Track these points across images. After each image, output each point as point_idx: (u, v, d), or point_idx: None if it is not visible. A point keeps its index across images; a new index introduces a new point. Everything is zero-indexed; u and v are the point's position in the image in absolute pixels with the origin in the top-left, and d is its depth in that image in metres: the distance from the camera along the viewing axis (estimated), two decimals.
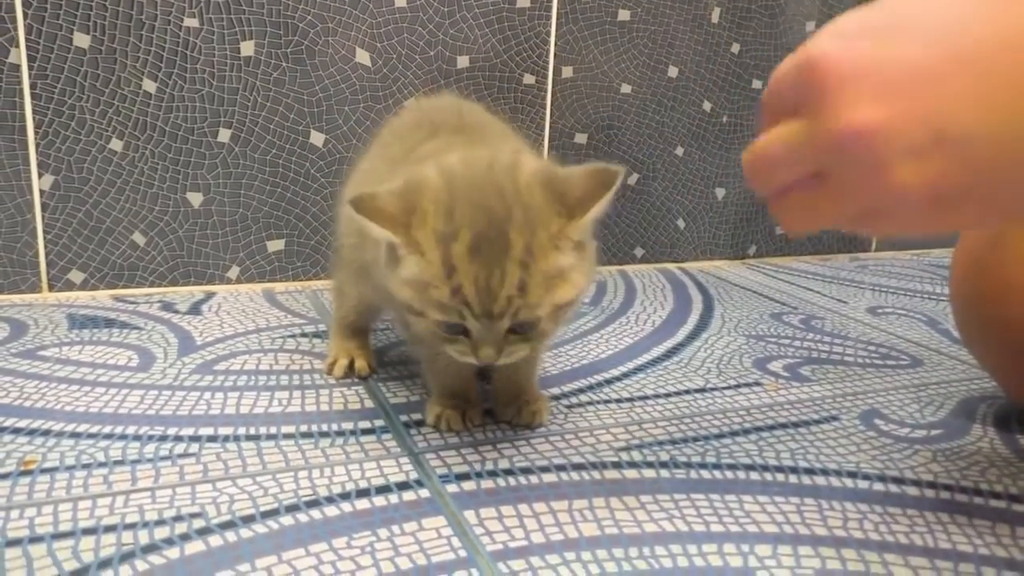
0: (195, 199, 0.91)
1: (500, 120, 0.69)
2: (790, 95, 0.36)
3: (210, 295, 0.91)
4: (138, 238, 0.89)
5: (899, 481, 0.54)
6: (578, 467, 0.55)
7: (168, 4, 0.84)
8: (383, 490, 0.51)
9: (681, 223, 1.14)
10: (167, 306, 0.87)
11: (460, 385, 0.60)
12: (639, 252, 1.13)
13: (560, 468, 0.55)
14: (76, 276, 0.88)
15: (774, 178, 0.38)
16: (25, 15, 0.80)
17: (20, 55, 0.81)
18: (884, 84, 0.32)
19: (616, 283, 1.04)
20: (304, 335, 0.79)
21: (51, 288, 0.88)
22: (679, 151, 1.11)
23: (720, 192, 1.15)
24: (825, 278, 1.12)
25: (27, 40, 0.81)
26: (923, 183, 0.33)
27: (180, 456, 0.54)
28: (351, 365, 0.69)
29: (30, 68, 0.82)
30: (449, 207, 0.48)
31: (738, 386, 0.71)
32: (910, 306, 0.99)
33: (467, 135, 0.61)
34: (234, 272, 0.94)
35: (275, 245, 0.95)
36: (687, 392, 0.69)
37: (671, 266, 1.15)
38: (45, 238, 0.86)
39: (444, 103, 0.70)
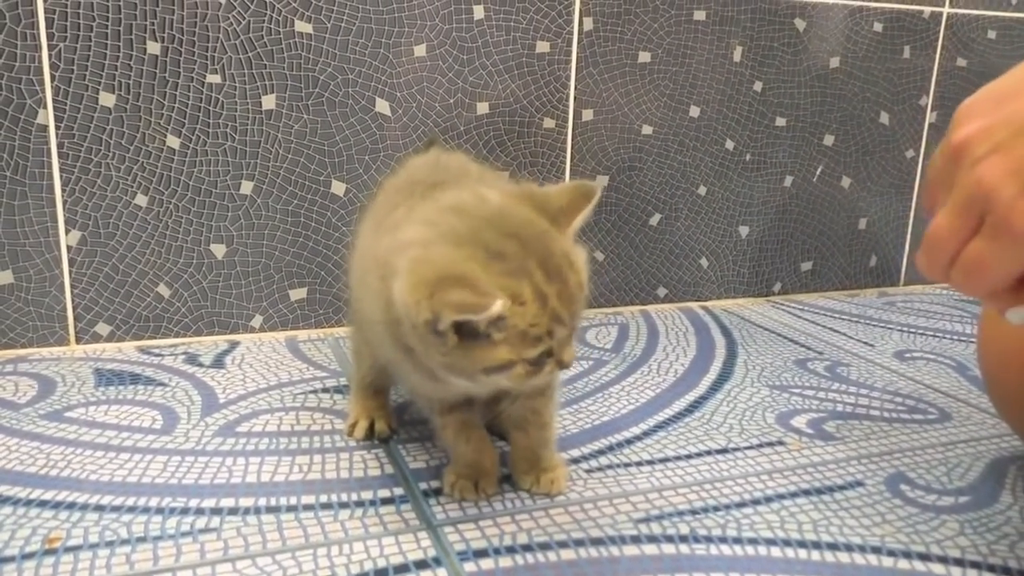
0: (219, 250, 0.92)
1: (482, 165, 0.68)
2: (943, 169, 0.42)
3: (234, 345, 0.92)
4: (163, 290, 0.91)
5: (925, 558, 0.53)
6: (597, 542, 0.54)
7: (191, 62, 0.86)
8: (401, 570, 0.51)
9: (704, 262, 1.14)
10: (191, 358, 0.88)
11: (474, 454, 0.60)
12: (662, 292, 1.12)
13: (579, 543, 0.54)
14: (103, 329, 0.90)
15: (945, 247, 0.41)
16: (52, 77, 0.82)
17: (48, 116, 0.83)
18: (982, 105, 0.41)
19: (639, 325, 1.03)
20: (325, 390, 0.80)
21: (79, 341, 0.89)
22: (702, 190, 1.11)
23: (744, 230, 1.14)
24: (852, 317, 1.11)
25: (54, 101, 0.83)
26: (1006, 171, 0.38)
27: (201, 531, 0.55)
28: (371, 427, 0.69)
29: (57, 128, 0.83)
30: (497, 251, 0.48)
31: (760, 445, 0.70)
32: (939, 349, 0.98)
33: (443, 187, 0.59)
34: (257, 321, 0.95)
35: (298, 293, 0.96)
36: (708, 453, 0.68)
37: (694, 305, 1.14)
38: (72, 292, 0.88)
39: (423, 159, 0.71)
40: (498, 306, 0.46)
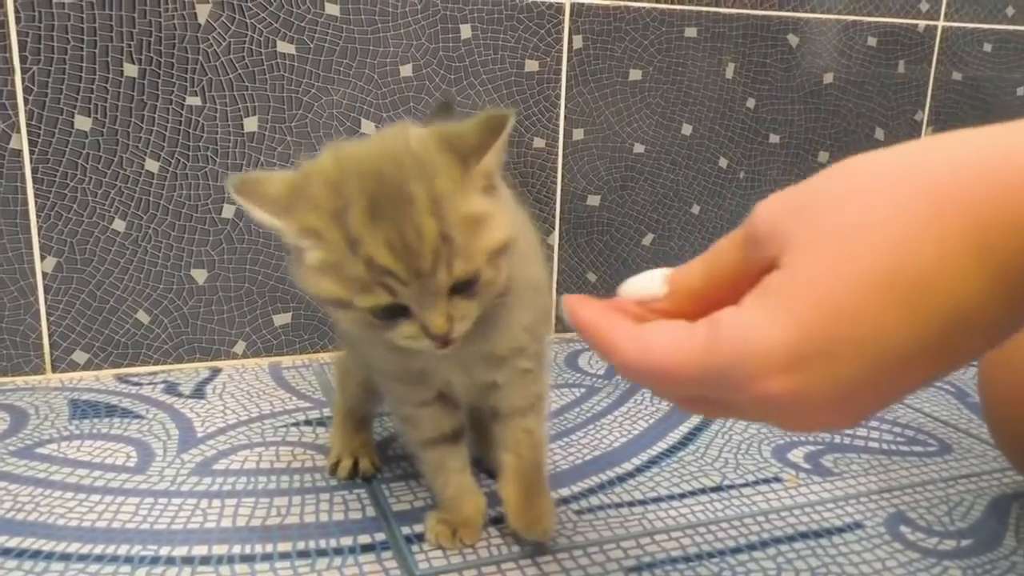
0: (199, 276, 0.89)
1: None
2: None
3: (216, 372, 0.90)
4: (142, 316, 0.88)
5: None
6: None
7: (170, 84, 0.83)
8: None
9: None
10: (171, 387, 0.85)
11: (453, 500, 0.58)
12: None
13: None
14: (80, 357, 0.87)
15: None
16: (26, 100, 0.80)
17: (22, 140, 0.80)
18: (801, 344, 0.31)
19: None
20: (308, 423, 0.78)
21: (55, 369, 0.87)
22: (695, 209, 1.09)
23: None
24: None
25: (28, 125, 0.80)
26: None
27: None
28: (355, 465, 0.67)
29: (31, 152, 0.81)
30: (338, 181, 0.44)
31: (756, 482, 0.68)
32: None
33: None
34: (240, 347, 0.93)
35: (281, 319, 0.93)
36: (703, 491, 0.66)
37: None
38: (48, 320, 0.85)
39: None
40: (263, 216, 0.44)
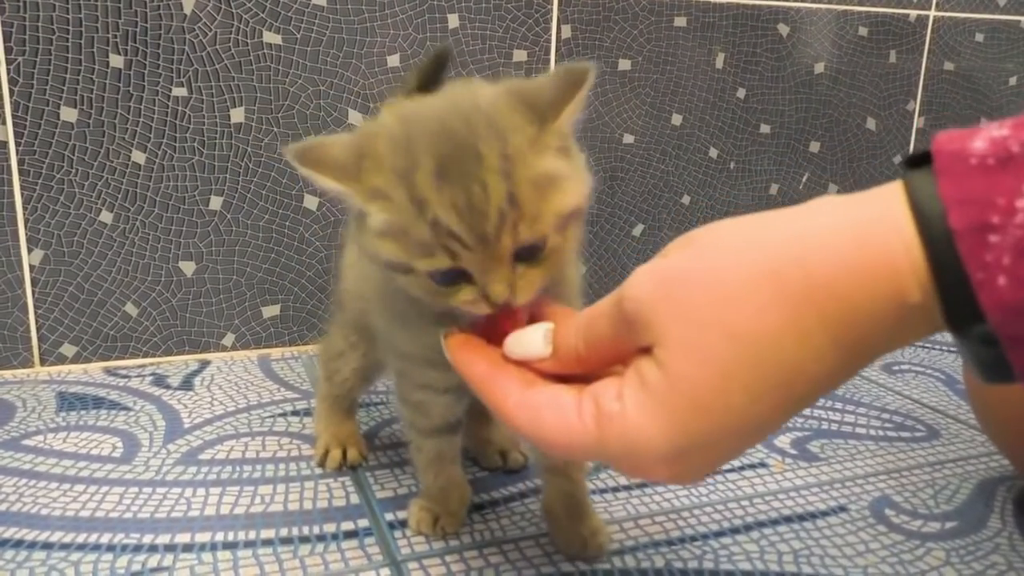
0: (188, 268, 0.89)
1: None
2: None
3: (204, 364, 0.90)
4: (130, 309, 0.88)
5: None
6: None
7: (156, 75, 0.83)
8: None
9: None
10: (159, 380, 0.85)
11: (440, 491, 0.57)
12: None
13: None
14: (68, 350, 0.87)
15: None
16: (11, 92, 0.80)
17: (7, 132, 0.80)
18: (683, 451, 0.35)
19: None
20: (295, 413, 0.77)
21: (43, 363, 0.87)
22: (686, 200, 1.09)
23: None
24: None
25: (14, 117, 0.80)
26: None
27: (153, 571, 0.52)
28: (343, 455, 0.67)
29: (17, 144, 0.81)
30: (405, 141, 0.41)
31: (742, 467, 0.68)
32: (928, 360, 0.95)
33: None
34: (229, 339, 0.92)
35: (271, 311, 0.93)
36: None
37: None
38: (36, 313, 0.85)
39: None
40: (328, 183, 0.42)
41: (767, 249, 0.31)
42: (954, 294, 0.28)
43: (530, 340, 0.39)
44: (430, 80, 0.66)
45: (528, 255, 0.41)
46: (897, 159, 1.20)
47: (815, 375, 0.31)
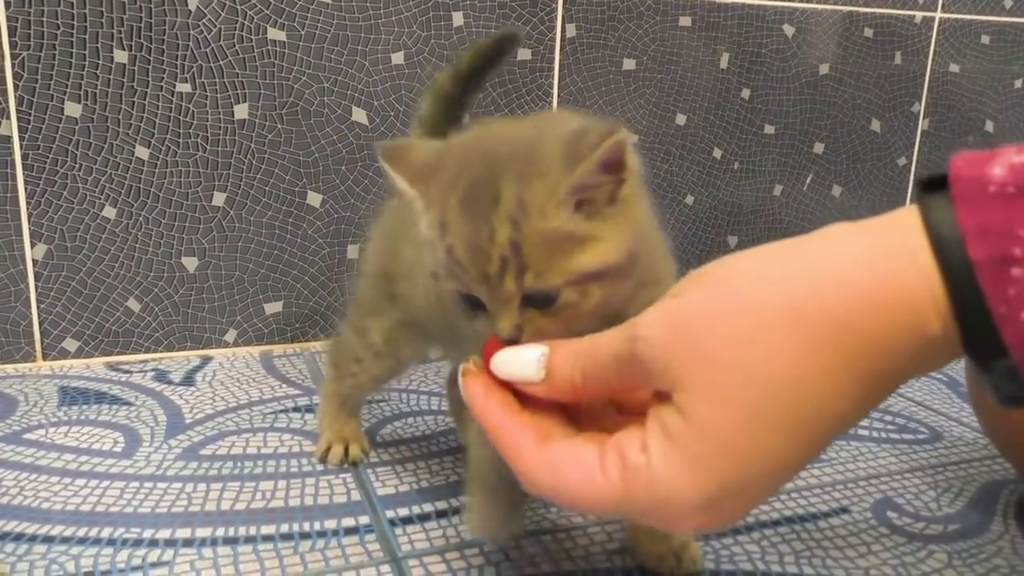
0: (190, 263, 0.89)
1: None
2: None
3: (206, 360, 0.90)
4: (133, 304, 0.88)
5: None
6: (568, 575, 0.52)
7: (160, 70, 0.83)
8: None
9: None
10: (161, 375, 0.85)
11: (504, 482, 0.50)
12: None
13: None
14: (71, 344, 0.87)
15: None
16: (16, 87, 0.80)
17: (12, 127, 0.80)
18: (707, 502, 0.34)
19: None
20: (296, 409, 0.77)
21: (45, 357, 0.87)
22: (689, 200, 1.08)
23: (732, 240, 1.12)
24: None
25: (18, 112, 0.80)
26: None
27: (153, 565, 0.52)
28: (345, 451, 0.67)
29: (21, 139, 0.81)
30: (460, 161, 0.41)
31: None
32: None
33: None
34: (231, 335, 0.92)
35: (273, 307, 0.93)
36: None
37: None
38: (39, 307, 0.85)
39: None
40: (399, 181, 0.42)
41: (782, 285, 0.30)
42: (975, 327, 0.28)
43: (523, 361, 0.37)
44: (487, 63, 0.64)
45: (540, 302, 0.39)
46: (902, 161, 1.20)
47: (841, 410, 0.30)
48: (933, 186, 0.29)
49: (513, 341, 0.39)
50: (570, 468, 0.34)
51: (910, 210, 0.30)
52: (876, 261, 0.29)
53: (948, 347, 0.29)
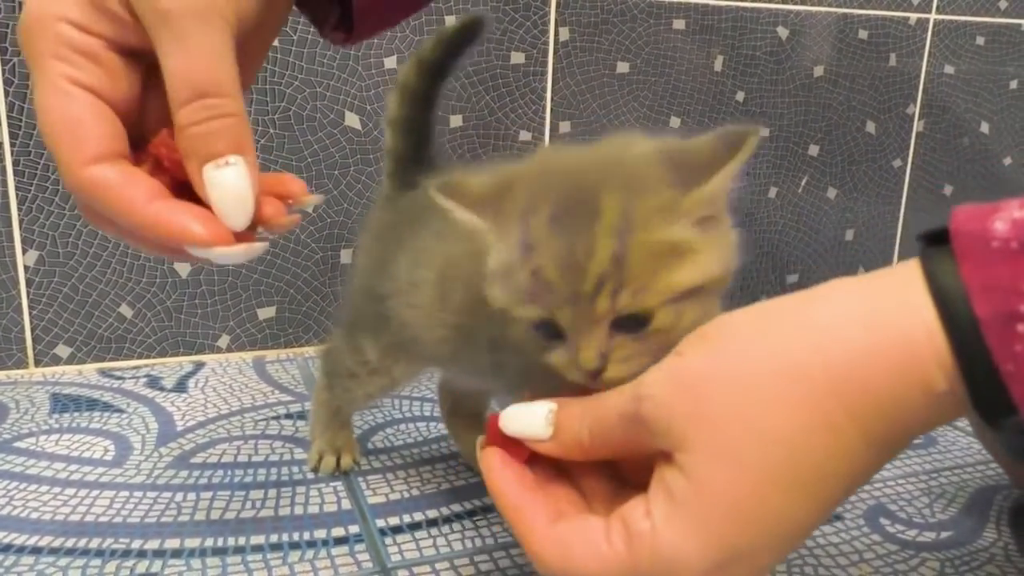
0: (183, 269, 0.89)
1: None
2: None
3: (199, 366, 0.89)
4: (125, 310, 0.88)
5: None
6: None
7: None
8: None
9: None
10: (153, 381, 0.85)
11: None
12: None
13: None
14: (62, 351, 0.87)
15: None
16: (7, 92, 0.79)
17: (2, 132, 0.80)
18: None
19: None
20: (289, 416, 0.77)
21: (37, 364, 0.86)
22: None
23: None
24: None
25: (8, 117, 0.80)
26: None
27: None
28: (338, 461, 0.66)
29: (12, 144, 0.80)
30: (537, 183, 0.39)
31: None
32: None
33: None
34: (224, 341, 0.92)
35: (266, 313, 0.93)
36: None
37: None
38: (30, 314, 0.85)
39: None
40: (466, 215, 0.39)
41: (785, 343, 0.30)
42: (983, 385, 0.27)
43: (531, 418, 0.36)
44: (453, 51, 0.61)
45: (631, 326, 0.37)
46: (897, 163, 1.19)
47: (849, 467, 0.30)
48: (934, 239, 0.29)
49: (596, 373, 0.37)
50: (577, 543, 0.33)
51: (912, 265, 0.29)
52: (879, 319, 0.29)
53: (955, 403, 0.28)
